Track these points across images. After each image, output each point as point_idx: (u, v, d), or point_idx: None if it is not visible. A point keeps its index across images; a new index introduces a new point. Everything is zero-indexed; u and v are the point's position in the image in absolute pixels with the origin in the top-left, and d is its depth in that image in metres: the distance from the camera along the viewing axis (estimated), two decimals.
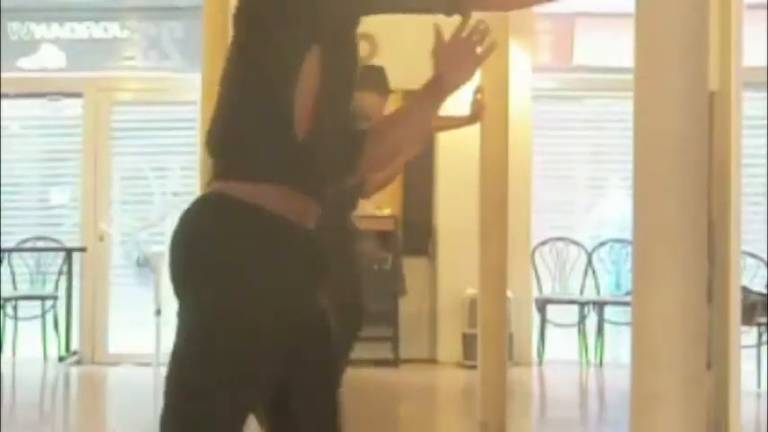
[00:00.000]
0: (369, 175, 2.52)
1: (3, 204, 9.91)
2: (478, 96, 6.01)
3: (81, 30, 10.39)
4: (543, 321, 9.90)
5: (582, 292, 10.16)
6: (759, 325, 8.85)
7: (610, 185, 10.29)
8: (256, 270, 2.34)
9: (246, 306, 2.33)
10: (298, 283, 2.40)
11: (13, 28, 10.32)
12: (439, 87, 2.51)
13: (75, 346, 10.00)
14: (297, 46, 2.35)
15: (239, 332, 2.32)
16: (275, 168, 2.37)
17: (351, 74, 2.50)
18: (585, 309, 9.99)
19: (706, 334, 2.47)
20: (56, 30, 10.39)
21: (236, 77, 2.42)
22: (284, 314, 2.36)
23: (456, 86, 2.53)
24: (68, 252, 10.08)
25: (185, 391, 2.36)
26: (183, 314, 2.40)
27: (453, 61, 2.49)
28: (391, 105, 5.35)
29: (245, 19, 2.43)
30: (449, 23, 2.52)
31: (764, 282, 9.27)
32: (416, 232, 10.03)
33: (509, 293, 7.54)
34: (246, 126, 2.39)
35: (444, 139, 9.17)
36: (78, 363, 9.83)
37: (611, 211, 10.11)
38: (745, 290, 8.03)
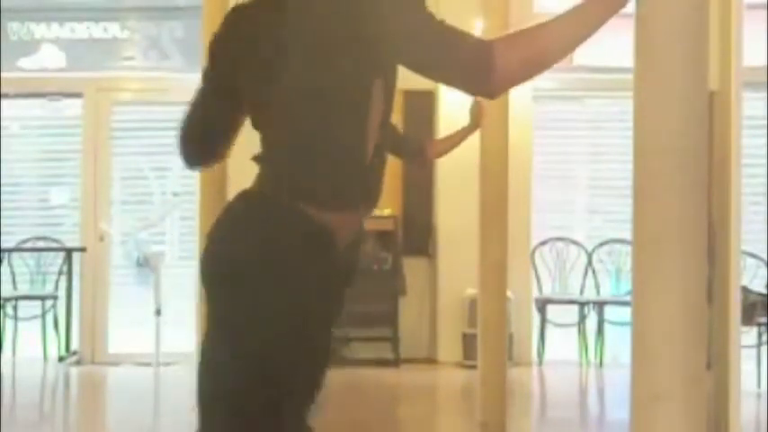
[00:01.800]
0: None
1: (3, 204, 9.90)
2: (478, 99, 5.98)
3: (81, 30, 10.39)
4: (543, 321, 9.90)
5: (582, 292, 10.16)
6: (759, 325, 8.85)
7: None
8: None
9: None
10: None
11: (13, 28, 10.32)
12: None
13: (75, 346, 10.00)
14: (366, 79, 2.49)
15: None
16: (350, 196, 2.52)
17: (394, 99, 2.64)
18: (585, 309, 9.99)
19: (706, 334, 2.47)
20: (56, 30, 10.39)
21: (305, 104, 2.52)
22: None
23: None
24: (68, 252, 10.08)
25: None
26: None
27: None
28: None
29: (308, 47, 2.50)
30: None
31: (764, 282, 9.27)
32: (416, 232, 10.03)
33: (509, 293, 7.54)
34: (324, 156, 2.50)
35: None
36: (78, 363, 9.83)
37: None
38: (745, 290, 8.03)
